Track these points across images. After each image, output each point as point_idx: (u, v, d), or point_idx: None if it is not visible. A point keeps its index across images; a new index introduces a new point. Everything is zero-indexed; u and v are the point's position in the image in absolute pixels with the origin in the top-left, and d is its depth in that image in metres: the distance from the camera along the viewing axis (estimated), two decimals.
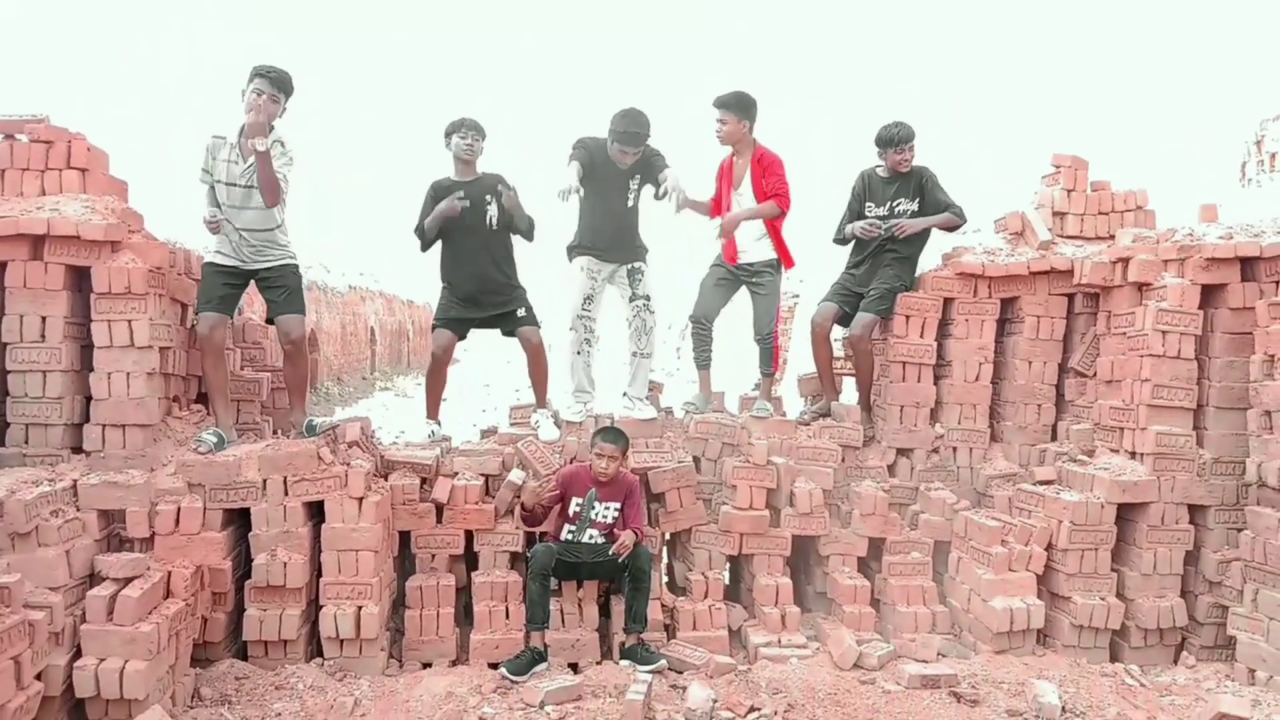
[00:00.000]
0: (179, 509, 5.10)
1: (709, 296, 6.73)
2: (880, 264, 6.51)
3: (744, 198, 6.54)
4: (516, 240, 6.47)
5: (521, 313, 6.45)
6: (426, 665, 5.57)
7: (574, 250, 6.57)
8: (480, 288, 6.36)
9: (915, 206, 6.47)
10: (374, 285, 33.74)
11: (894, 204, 6.51)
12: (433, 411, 6.61)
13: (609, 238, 6.46)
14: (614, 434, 5.80)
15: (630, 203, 6.41)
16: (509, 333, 6.52)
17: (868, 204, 6.61)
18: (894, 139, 6.38)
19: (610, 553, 5.55)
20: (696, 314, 6.76)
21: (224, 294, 5.58)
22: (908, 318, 6.46)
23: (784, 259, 6.57)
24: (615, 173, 6.30)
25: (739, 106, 6.40)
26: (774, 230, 6.51)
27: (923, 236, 6.54)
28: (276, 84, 5.41)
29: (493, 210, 6.27)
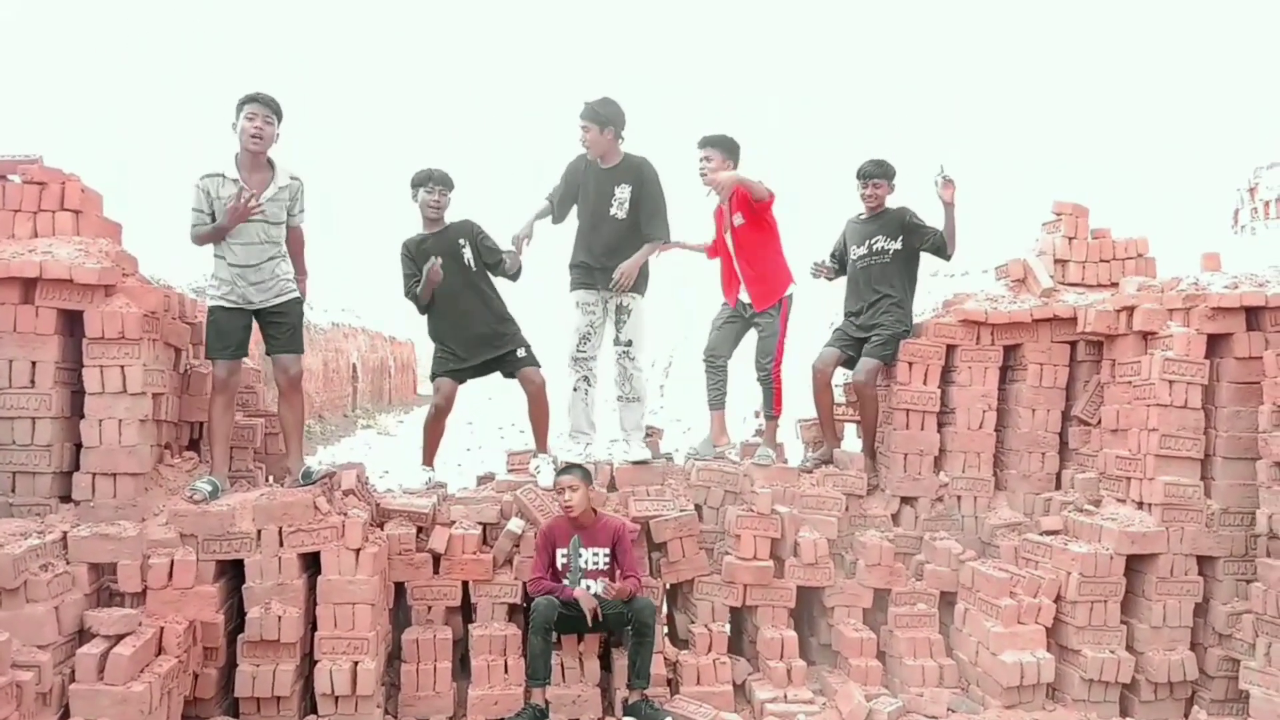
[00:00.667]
0: (172, 562, 4.94)
1: (716, 333, 6.72)
2: (878, 310, 6.47)
3: (731, 239, 6.57)
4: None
5: (521, 353, 6.35)
6: None
7: (571, 271, 6.53)
8: (472, 337, 6.29)
9: (898, 245, 6.46)
10: (356, 321, 33.56)
11: (871, 242, 6.51)
12: (429, 459, 6.49)
13: (599, 252, 6.38)
14: (571, 467, 5.75)
15: (613, 211, 6.32)
16: (509, 375, 6.42)
17: (851, 247, 6.65)
18: (865, 172, 6.46)
19: (602, 593, 5.44)
20: (706, 350, 6.74)
21: (240, 337, 5.48)
22: (910, 365, 6.41)
23: (788, 282, 6.59)
24: (598, 178, 6.28)
25: (724, 146, 6.40)
26: (778, 264, 6.52)
27: (913, 279, 6.56)
28: (271, 107, 5.34)
29: (468, 254, 6.24)
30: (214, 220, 5.32)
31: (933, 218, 6.41)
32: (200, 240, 5.39)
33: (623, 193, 6.27)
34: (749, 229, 6.46)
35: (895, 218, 6.49)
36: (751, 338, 6.71)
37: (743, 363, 6.79)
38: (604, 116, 6.17)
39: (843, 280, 6.85)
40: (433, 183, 6.18)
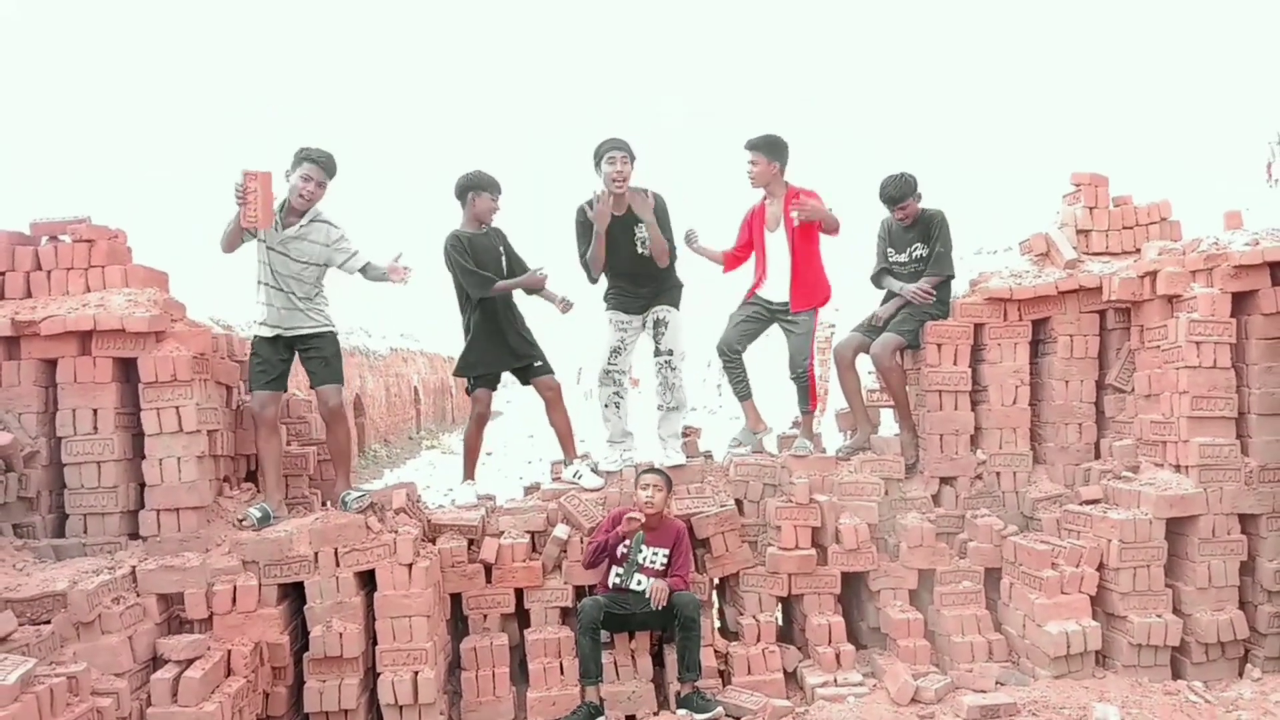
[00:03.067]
0: (235, 588, 5.22)
1: (733, 328, 6.78)
2: (912, 309, 6.59)
3: (778, 239, 6.62)
4: None
5: (539, 363, 6.59)
6: None
7: (608, 292, 6.67)
8: (506, 339, 6.50)
9: (927, 251, 6.57)
10: (414, 345, 34.14)
11: (911, 250, 6.62)
12: (471, 472, 6.71)
13: (627, 279, 6.54)
14: (657, 470, 5.96)
15: (640, 251, 6.41)
16: (525, 381, 6.66)
17: (890, 249, 6.74)
18: (888, 198, 6.56)
19: (645, 595, 5.61)
20: (720, 345, 6.82)
21: (275, 371, 5.75)
22: (939, 346, 6.47)
23: (824, 288, 6.68)
24: (620, 221, 6.36)
25: (769, 148, 6.48)
26: (822, 271, 6.62)
27: (946, 283, 6.62)
28: (326, 169, 5.65)
29: (504, 263, 6.52)
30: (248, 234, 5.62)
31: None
32: (227, 240, 5.61)
33: (639, 231, 6.37)
34: (805, 232, 6.52)
35: (930, 224, 6.55)
36: (763, 339, 6.82)
37: (767, 362, 6.89)
38: (631, 151, 6.28)
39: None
40: (498, 191, 6.48)
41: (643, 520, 5.66)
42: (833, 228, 6.47)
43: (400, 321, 34.74)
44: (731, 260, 6.85)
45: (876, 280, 6.92)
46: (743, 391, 6.86)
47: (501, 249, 6.51)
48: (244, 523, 5.55)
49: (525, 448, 22.34)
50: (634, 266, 6.44)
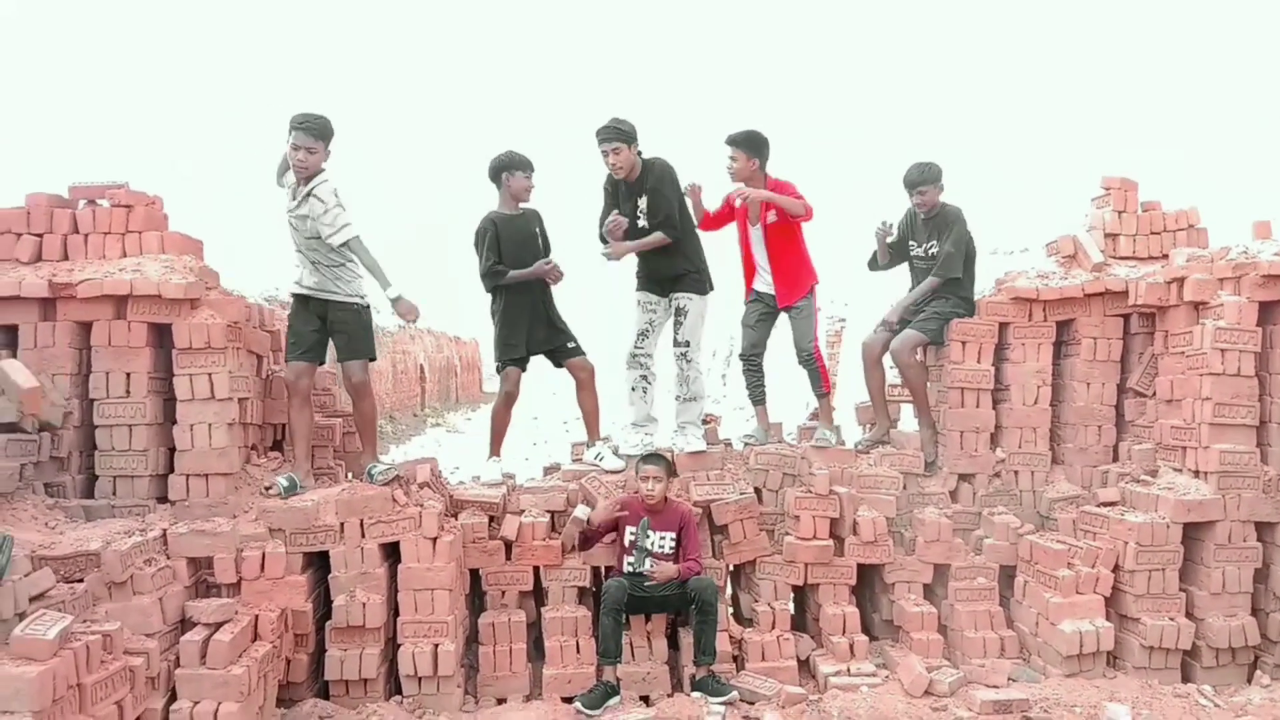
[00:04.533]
0: (264, 554, 5.28)
1: (751, 331, 6.85)
2: (938, 295, 6.62)
3: (758, 234, 6.68)
4: None
5: (571, 345, 6.60)
6: (501, 700, 5.68)
7: (637, 274, 6.76)
8: (538, 321, 6.51)
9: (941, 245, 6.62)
10: (421, 323, 34.21)
11: (928, 246, 6.67)
12: (497, 449, 6.75)
13: (645, 263, 6.61)
14: (655, 457, 5.98)
15: (641, 223, 6.46)
16: (558, 364, 6.68)
17: (911, 241, 6.78)
18: (910, 182, 6.60)
19: (645, 570, 5.72)
20: (744, 350, 6.89)
21: (310, 340, 5.79)
22: (964, 344, 6.52)
23: (813, 276, 6.71)
24: (626, 194, 6.46)
25: (749, 144, 6.47)
26: (804, 260, 6.66)
27: (970, 276, 6.66)
28: (314, 133, 5.56)
29: (541, 244, 6.52)
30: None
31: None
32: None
33: (642, 203, 6.44)
34: (780, 227, 6.57)
35: (945, 221, 6.59)
36: (782, 327, 6.85)
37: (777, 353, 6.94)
38: (627, 134, 6.30)
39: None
40: (532, 169, 6.47)
41: (620, 510, 5.83)
42: (796, 213, 6.45)
43: (408, 298, 34.75)
44: (707, 221, 6.80)
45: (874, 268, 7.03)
46: (757, 396, 6.92)
47: (538, 229, 6.52)
48: (271, 491, 5.61)
49: (529, 429, 22.43)
50: (640, 237, 6.49)
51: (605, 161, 6.35)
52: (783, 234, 6.59)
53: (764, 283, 6.75)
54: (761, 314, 6.82)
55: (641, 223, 6.44)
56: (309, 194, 5.59)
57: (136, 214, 5.76)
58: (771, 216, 6.55)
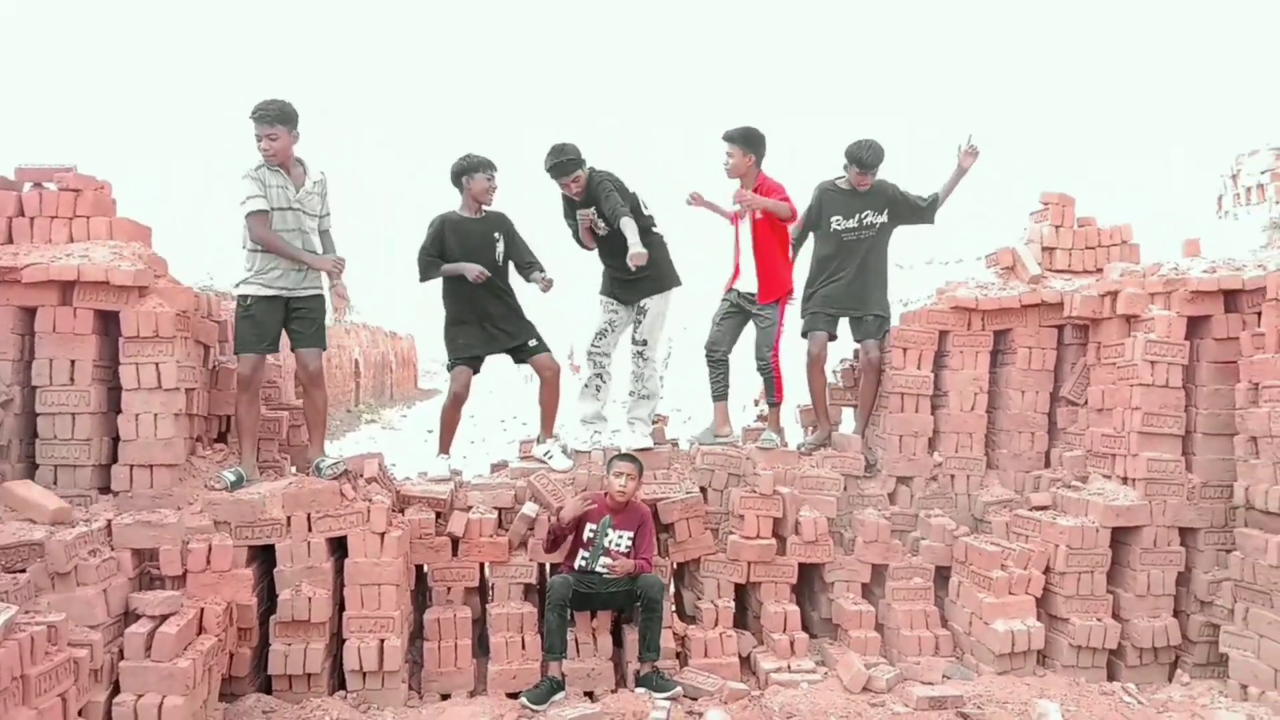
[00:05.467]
0: (210, 547, 5.23)
1: (718, 326, 6.95)
2: (867, 285, 6.78)
3: (746, 230, 6.77)
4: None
5: (533, 343, 6.61)
6: (445, 696, 5.69)
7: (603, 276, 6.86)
8: (492, 322, 6.51)
9: (884, 218, 6.72)
10: (357, 318, 33.80)
11: (862, 216, 6.71)
12: (446, 447, 6.75)
13: (615, 265, 6.65)
14: (629, 456, 6.04)
15: (601, 232, 6.56)
16: (520, 360, 6.70)
17: (834, 217, 6.77)
18: (864, 161, 6.58)
19: (599, 567, 5.76)
20: (707, 345, 6.98)
21: (267, 334, 5.73)
22: (905, 350, 6.69)
23: (790, 284, 6.80)
24: (579, 210, 6.55)
25: (745, 141, 6.60)
26: (784, 263, 6.75)
27: (886, 253, 6.85)
28: (269, 118, 5.52)
29: (500, 247, 6.48)
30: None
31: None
32: (262, 238, 5.60)
33: (592, 212, 6.54)
34: (766, 224, 6.68)
35: (881, 191, 6.70)
36: (750, 331, 6.96)
37: (740, 354, 7.04)
38: (581, 160, 6.44)
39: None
40: (492, 169, 6.45)
41: (589, 504, 5.85)
42: (785, 217, 6.58)
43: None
44: (735, 217, 6.90)
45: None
46: (718, 392, 6.99)
47: (498, 234, 6.49)
48: (217, 486, 5.55)
49: (466, 428, 22.21)
50: (605, 243, 6.61)
51: (567, 192, 6.49)
52: (768, 233, 6.69)
53: (744, 281, 6.84)
54: (728, 312, 6.92)
55: (600, 230, 6.55)
56: (321, 175, 5.81)
57: (85, 198, 5.66)
58: (759, 214, 6.65)
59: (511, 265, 6.61)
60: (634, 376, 6.74)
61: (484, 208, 6.51)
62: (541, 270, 6.57)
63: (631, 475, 5.87)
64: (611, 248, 6.60)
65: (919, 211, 6.72)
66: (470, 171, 6.39)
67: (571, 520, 5.82)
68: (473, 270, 6.28)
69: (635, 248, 6.24)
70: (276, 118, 5.54)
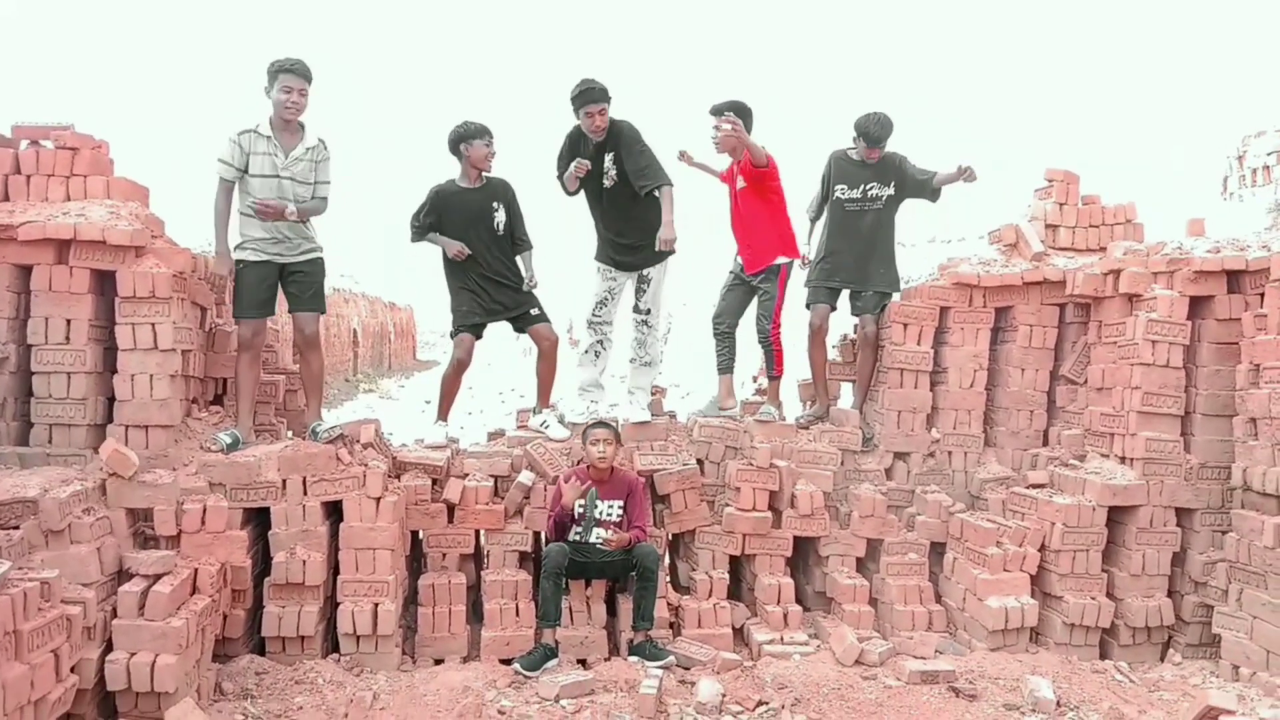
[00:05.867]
0: (205, 507, 5.22)
1: (724, 298, 6.95)
2: (872, 261, 6.75)
3: (738, 201, 6.76)
4: None
5: (535, 311, 6.59)
6: (439, 661, 5.70)
7: (598, 243, 6.79)
8: (494, 288, 6.49)
9: (891, 190, 6.68)
10: (356, 287, 33.78)
11: (866, 188, 6.68)
12: (444, 414, 6.74)
13: (613, 230, 6.61)
14: (602, 423, 6.00)
15: (609, 184, 6.51)
16: (520, 330, 6.68)
17: (839, 185, 6.75)
18: (871, 136, 6.55)
19: (597, 541, 5.73)
20: (713, 317, 6.98)
21: (263, 296, 5.71)
22: (905, 325, 6.67)
23: (787, 252, 6.73)
24: (596, 152, 6.45)
25: (734, 110, 6.54)
26: (777, 231, 6.70)
27: (892, 227, 6.81)
28: (304, 75, 5.58)
29: (500, 216, 6.44)
30: (242, 172, 5.60)
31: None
32: (215, 207, 5.63)
33: (608, 160, 6.47)
34: (749, 193, 6.66)
35: (889, 163, 6.67)
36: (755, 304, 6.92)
37: (746, 327, 7.01)
38: (609, 95, 6.34)
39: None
40: (489, 135, 6.39)
41: (583, 488, 5.76)
42: (759, 159, 6.47)
43: (342, 261, 34.27)
44: (724, 176, 6.92)
45: (813, 212, 7.08)
46: (723, 365, 6.97)
47: (496, 203, 6.44)
48: (212, 448, 5.54)
49: (464, 399, 22.25)
50: (608, 202, 6.57)
51: (589, 124, 6.33)
52: (753, 199, 6.66)
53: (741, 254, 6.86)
54: (733, 284, 6.93)
55: (607, 182, 6.48)
56: (318, 141, 5.76)
57: (82, 157, 5.61)
58: (741, 183, 6.65)
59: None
60: (637, 343, 6.73)
61: (484, 175, 6.46)
62: (529, 248, 6.62)
63: (609, 440, 5.85)
64: (616, 212, 6.57)
65: (922, 185, 6.66)
66: (468, 138, 6.34)
67: (570, 505, 5.78)
68: (453, 248, 6.29)
69: (670, 229, 6.29)
70: (303, 73, 5.58)
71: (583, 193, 6.65)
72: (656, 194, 6.39)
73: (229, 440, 5.58)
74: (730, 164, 6.77)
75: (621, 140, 6.41)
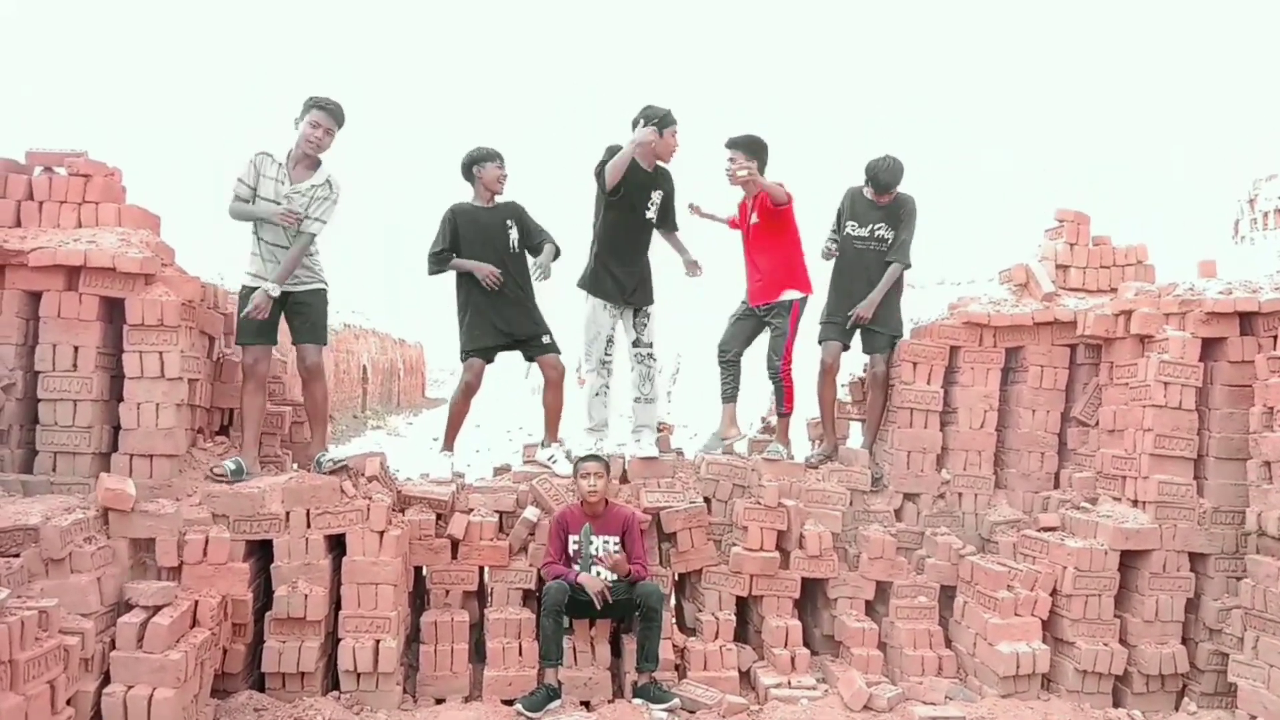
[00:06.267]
0: (207, 538, 5.17)
1: (730, 329, 6.92)
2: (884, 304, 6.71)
3: (751, 235, 6.76)
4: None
5: (546, 340, 6.56)
6: (440, 700, 5.61)
7: (601, 277, 6.54)
8: (508, 310, 6.44)
9: (893, 235, 6.68)
10: (366, 324, 33.86)
11: (874, 228, 6.69)
12: (450, 442, 6.69)
13: (619, 254, 6.51)
14: (592, 456, 5.96)
15: (649, 215, 6.52)
16: (530, 358, 6.65)
17: (850, 222, 6.76)
18: (880, 183, 6.59)
19: (600, 572, 5.64)
20: (719, 345, 6.93)
21: (266, 324, 5.69)
22: (915, 365, 6.63)
23: (799, 287, 6.68)
24: (640, 184, 6.40)
25: (748, 147, 6.54)
26: (788, 265, 6.67)
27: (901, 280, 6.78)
28: (337, 118, 5.65)
29: (514, 235, 6.45)
30: (254, 192, 5.61)
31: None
32: (235, 213, 5.65)
33: (656, 196, 6.50)
34: (762, 229, 6.64)
35: (899, 208, 6.67)
36: (765, 338, 6.89)
37: (751, 362, 6.98)
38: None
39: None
40: (503, 160, 6.43)
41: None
42: (779, 199, 6.46)
43: (353, 298, 34.40)
44: (732, 223, 6.94)
45: (827, 257, 7.01)
46: (727, 394, 6.92)
47: (510, 222, 6.45)
48: (217, 473, 5.50)
49: (472, 436, 22.17)
50: (633, 234, 6.52)
51: (665, 146, 6.35)
52: (766, 234, 6.64)
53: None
54: (743, 314, 6.90)
55: (650, 214, 6.52)
56: (325, 180, 5.71)
57: (94, 184, 5.63)
58: (754, 219, 6.65)
59: (528, 256, 6.57)
60: (641, 379, 6.68)
61: (496, 197, 6.48)
62: (551, 245, 6.54)
63: (599, 474, 5.79)
64: (638, 246, 6.58)
65: (903, 246, 6.67)
66: (481, 161, 6.38)
67: (558, 549, 5.77)
68: (483, 270, 6.26)
69: (691, 257, 6.55)
70: (339, 118, 5.68)
71: (601, 215, 6.52)
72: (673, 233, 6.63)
73: (233, 467, 5.54)
74: (743, 200, 6.76)
75: (670, 182, 6.55)
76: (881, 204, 6.66)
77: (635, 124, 6.28)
